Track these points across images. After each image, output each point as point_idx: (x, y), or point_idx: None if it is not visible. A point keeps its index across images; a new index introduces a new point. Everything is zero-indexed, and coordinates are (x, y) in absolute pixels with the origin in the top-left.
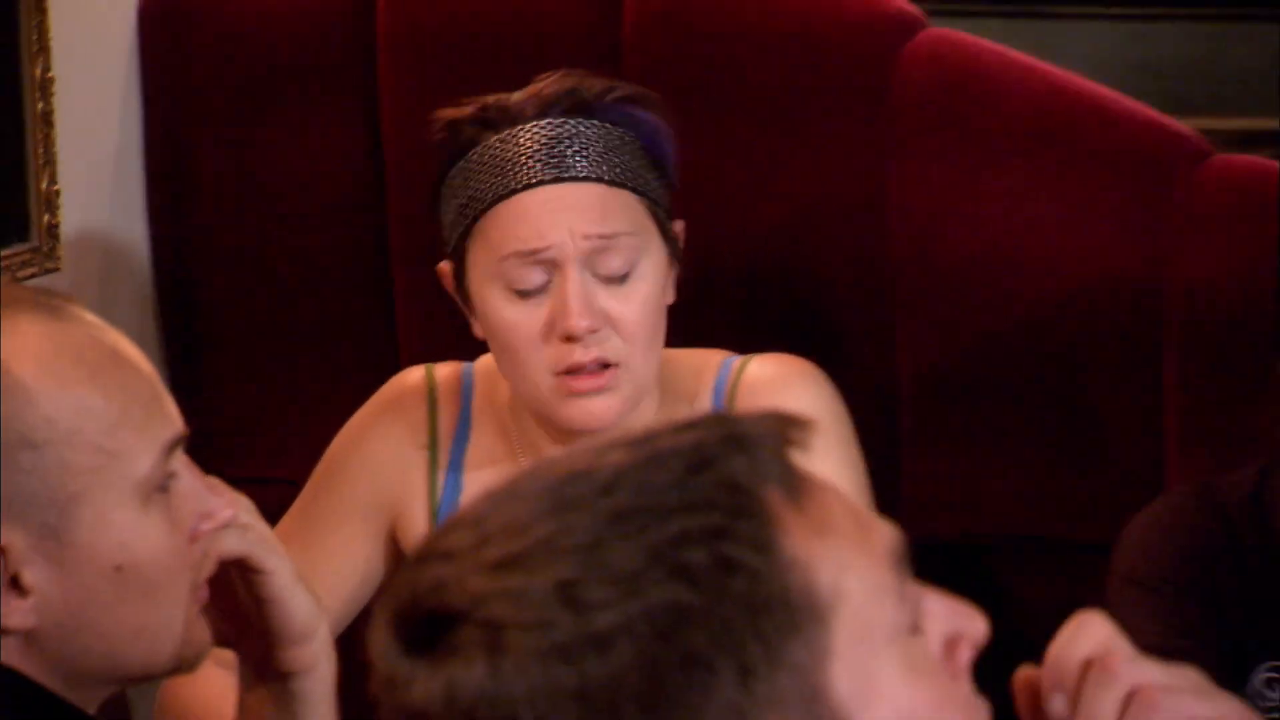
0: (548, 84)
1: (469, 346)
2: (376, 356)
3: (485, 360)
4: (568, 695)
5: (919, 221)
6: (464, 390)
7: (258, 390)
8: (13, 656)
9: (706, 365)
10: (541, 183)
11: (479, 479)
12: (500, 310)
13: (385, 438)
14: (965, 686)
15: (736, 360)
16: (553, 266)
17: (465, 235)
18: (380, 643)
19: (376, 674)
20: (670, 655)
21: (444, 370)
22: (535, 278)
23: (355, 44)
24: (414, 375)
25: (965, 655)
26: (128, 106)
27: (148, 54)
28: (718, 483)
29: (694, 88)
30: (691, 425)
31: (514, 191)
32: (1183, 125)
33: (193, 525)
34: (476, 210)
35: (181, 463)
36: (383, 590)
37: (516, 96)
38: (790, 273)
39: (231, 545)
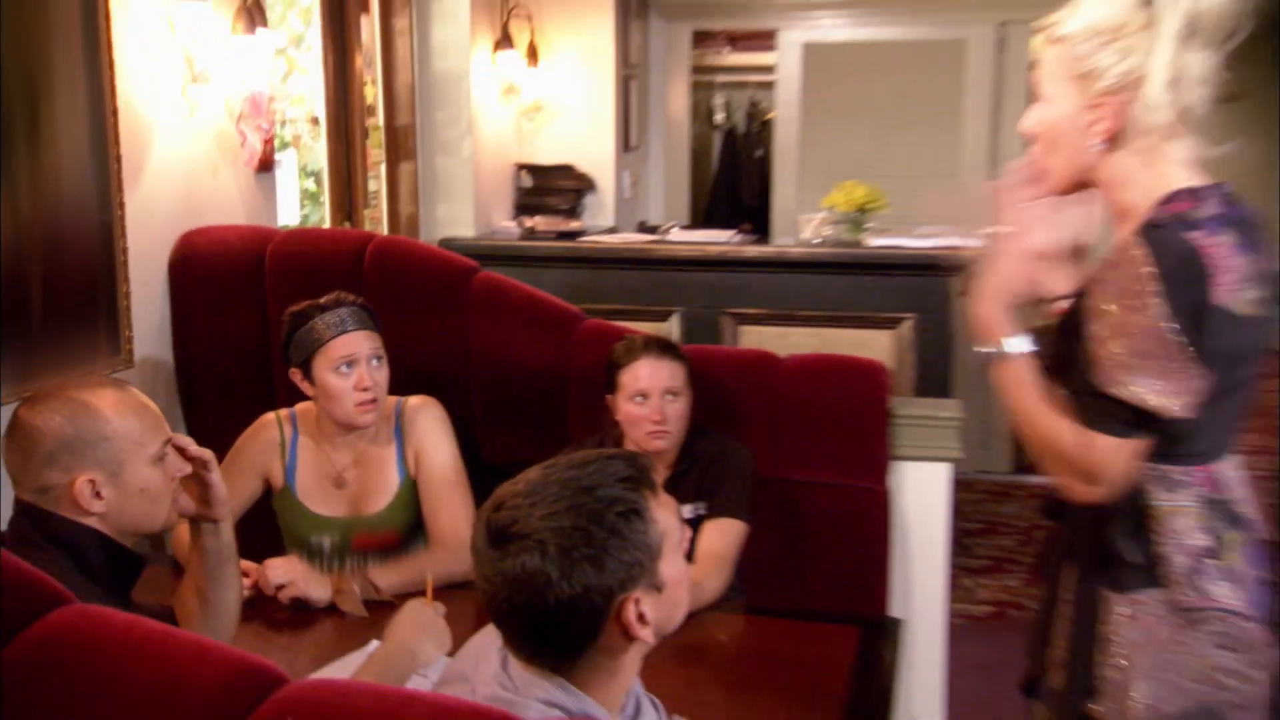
0: (334, 297)
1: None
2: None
3: (302, 405)
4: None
5: None
6: (292, 417)
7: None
8: (95, 524)
9: (390, 402)
10: (345, 331)
11: (303, 454)
12: (331, 380)
13: (261, 438)
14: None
15: (400, 399)
16: (355, 362)
17: (313, 355)
18: (480, 546)
19: (476, 560)
20: (607, 534)
21: (282, 411)
22: (346, 368)
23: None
24: (270, 416)
25: (685, 545)
26: None
27: None
28: (629, 477)
29: None
30: (613, 454)
31: (336, 336)
32: None
33: (172, 473)
34: (321, 343)
35: (169, 448)
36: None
37: (324, 300)
38: None
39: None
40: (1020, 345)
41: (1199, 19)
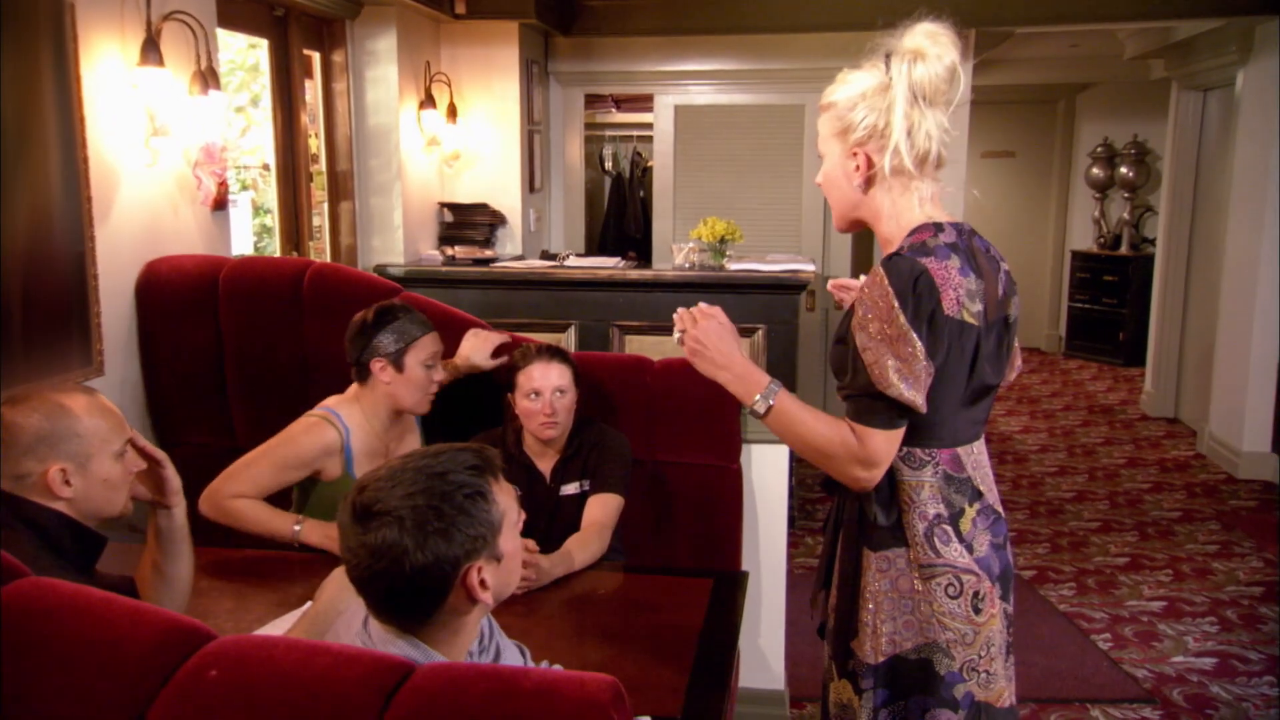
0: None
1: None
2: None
3: (334, 400)
4: (422, 530)
5: None
6: (337, 416)
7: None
8: (62, 508)
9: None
10: (429, 332)
11: (356, 443)
12: (419, 372)
13: (322, 441)
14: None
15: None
16: (433, 365)
17: (407, 349)
18: (346, 523)
19: (342, 534)
20: (456, 511)
21: (325, 413)
22: (429, 364)
23: (211, 297)
24: (320, 420)
25: (520, 525)
26: None
27: None
28: (476, 465)
29: None
30: (463, 447)
31: (425, 334)
32: None
33: (130, 468)
34: (414, 339)
35: (129, 447)
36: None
37: (398, 301)
38: None
39: (158, 457)
40: (774, 388)
41: (920, 86)
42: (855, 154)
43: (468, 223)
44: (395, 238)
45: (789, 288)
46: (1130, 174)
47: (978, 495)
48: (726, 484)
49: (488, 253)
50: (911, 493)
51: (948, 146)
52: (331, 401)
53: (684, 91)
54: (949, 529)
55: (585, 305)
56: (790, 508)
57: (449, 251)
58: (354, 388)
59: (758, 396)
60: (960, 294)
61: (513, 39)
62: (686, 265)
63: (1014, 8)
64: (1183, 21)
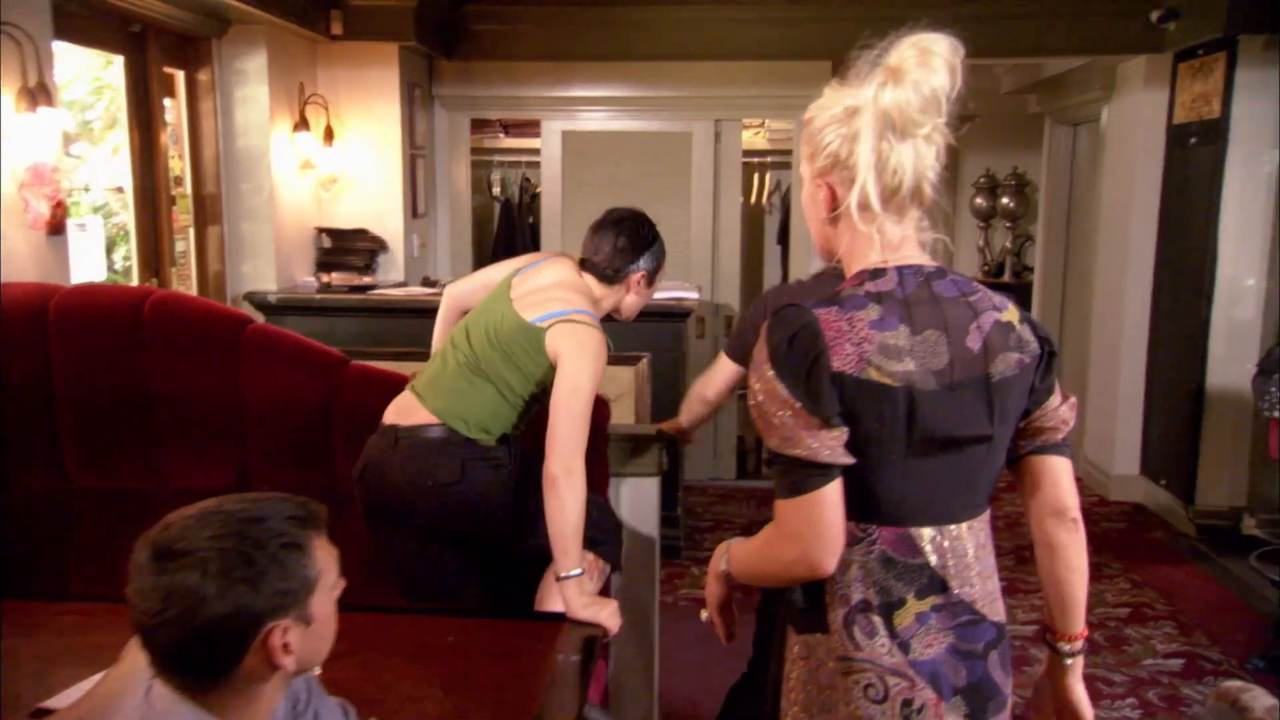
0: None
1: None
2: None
3: (575, 299)
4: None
5: None
6: (592, 315)
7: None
8: None
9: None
10: None
11: None
12: (651, 292)
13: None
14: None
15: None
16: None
17: (658, 269)
18: (140, 562)
19: (133, 575)
20: (268, 560)
21: (574, 305)
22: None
23: (39, 327)
24: (582, 319)
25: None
26: None
27: None
28: (298, 517)
29: None
30: (287, 496)
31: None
32: None
33: None
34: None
35: None
36: None
37: None
38: None
39: None
40: (719, 563)
41: (889, 113)
42: (819, 182)
43: (347, 248)
44: (267, 264)
45: (673, 315)
46: (1011, 204)
47: (937, 588)
48: (602, 511)
49: (366, 279)
50: (836, 571)
51: (933, 183)
52: (574, 300)
53: (572, 117)
54: (876, 620)
55: None
56: (677, 538)
57: (325, 278)
58: (587, 282)
59: (722, 566)
60: (867, 349)
61: (392, 61)
62: None
63: None
64: (1051, 59)
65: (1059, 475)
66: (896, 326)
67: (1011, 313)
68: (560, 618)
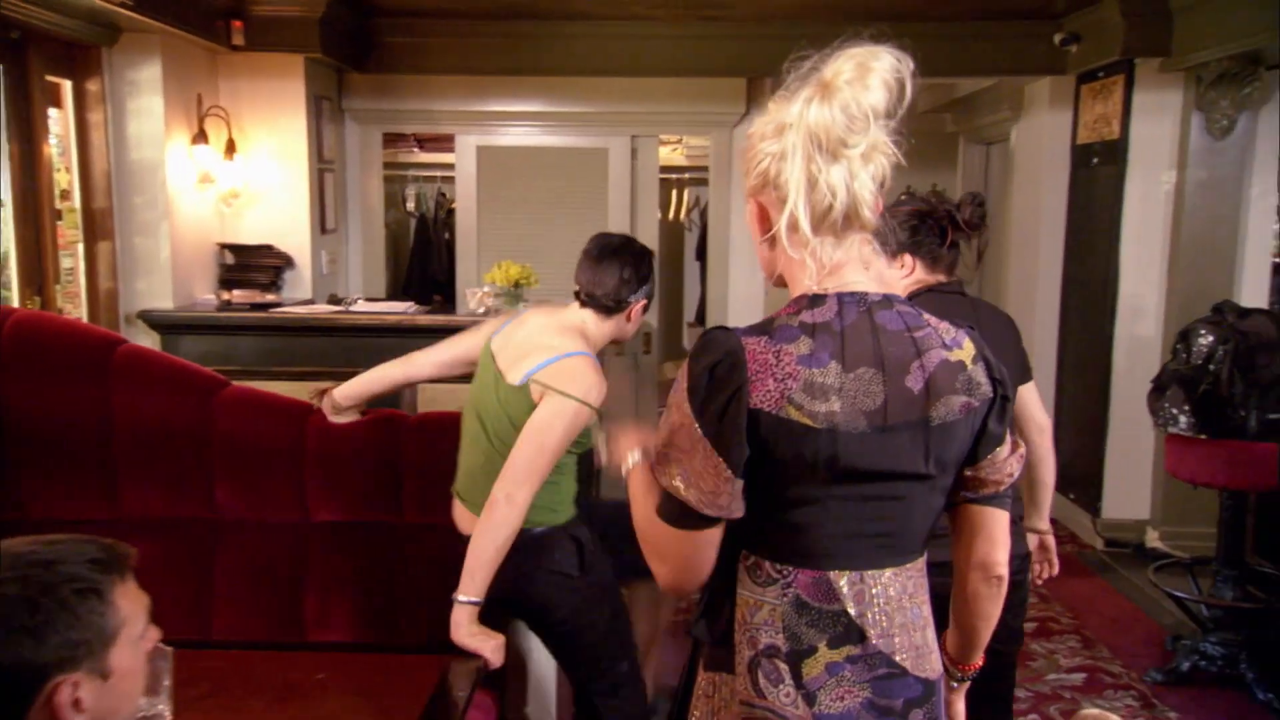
0: None
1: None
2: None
3: (574, 342)
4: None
5: None
6: (594, 356)
7: None
8: None
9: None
10: None
11: None
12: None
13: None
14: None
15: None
16: None
17: (650, 299)
18: None
19: None
20: (56, 607)
21: (574, 350)
22: None
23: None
24: (583, 368)
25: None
26: None
27: None
28: (100, 560)
29: None
30: (91, 539)
31: None
32: None
33: None
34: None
35: None
36: None
37: None
38: None
39: None
40: (634, 456)
41: (814, 134)
42: (751, 202)
43: (251, 265)
44: (163, 280)
45: None
46: None
47: (854, 637)
48: None
49: (269, 296)
50: (746, 611)
51: (870, 206)
52: (561, 345)
53: (487, 132)
54: (783, 667)
55: (374, 352)
56: None
57: (225, 296)
58: (582, 318)
59: (628, 455)
60: (790, 386)
61: (298, 73)
62: (480, 310)
63: None
64: (962, 79)
65: (993, 528)
66: (826, 363)
67: (965, 351)
68: (436, 649)
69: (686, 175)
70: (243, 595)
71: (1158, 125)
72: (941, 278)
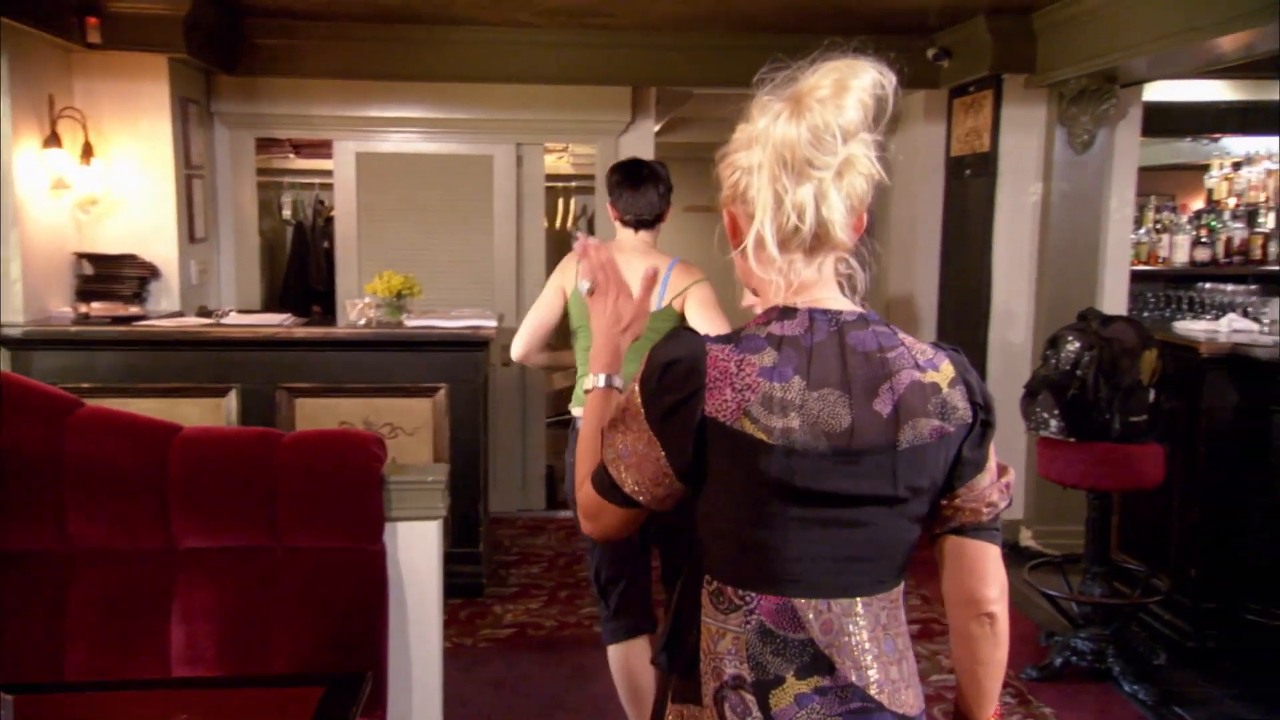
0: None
1: None
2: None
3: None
4: None
5: None
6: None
7: None
8: None
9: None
10: None
11: None
12: None
13: None
14: None
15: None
16: None
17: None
18: None
19: None
20: None
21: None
22: None
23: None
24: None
25: None
26: None
27: None
28: None
29: None
30: None
31: None
32: None
33: None
34: None
35: None
36: None
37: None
38: None
39: None
40: (597, 381)
41: (781, 153)
42: (724, 212)
43: (112, 275)
44: (13, 293)
45: (471, 344)
46: None
47: (822, 668)
48: (366, 568)
49: (132, 309)
50: (710, 640)
51: (843, 226)
52: (664, 258)
53: (366, 138)
54: (749, 698)
55: (248, 367)
56: (479, 575)
57: (83, 308)
58: (644, 237)
59: (590, 376)
60: (749, 398)
61: (161, 75)
62: (361, 321)
63: (687, 70)
64: None
65: (975, 562)
66: (789, 377)
67: (942, 373)
68: (312, 681)
69: (573, 184)
70: (99, 631)
71: (1025, 139)
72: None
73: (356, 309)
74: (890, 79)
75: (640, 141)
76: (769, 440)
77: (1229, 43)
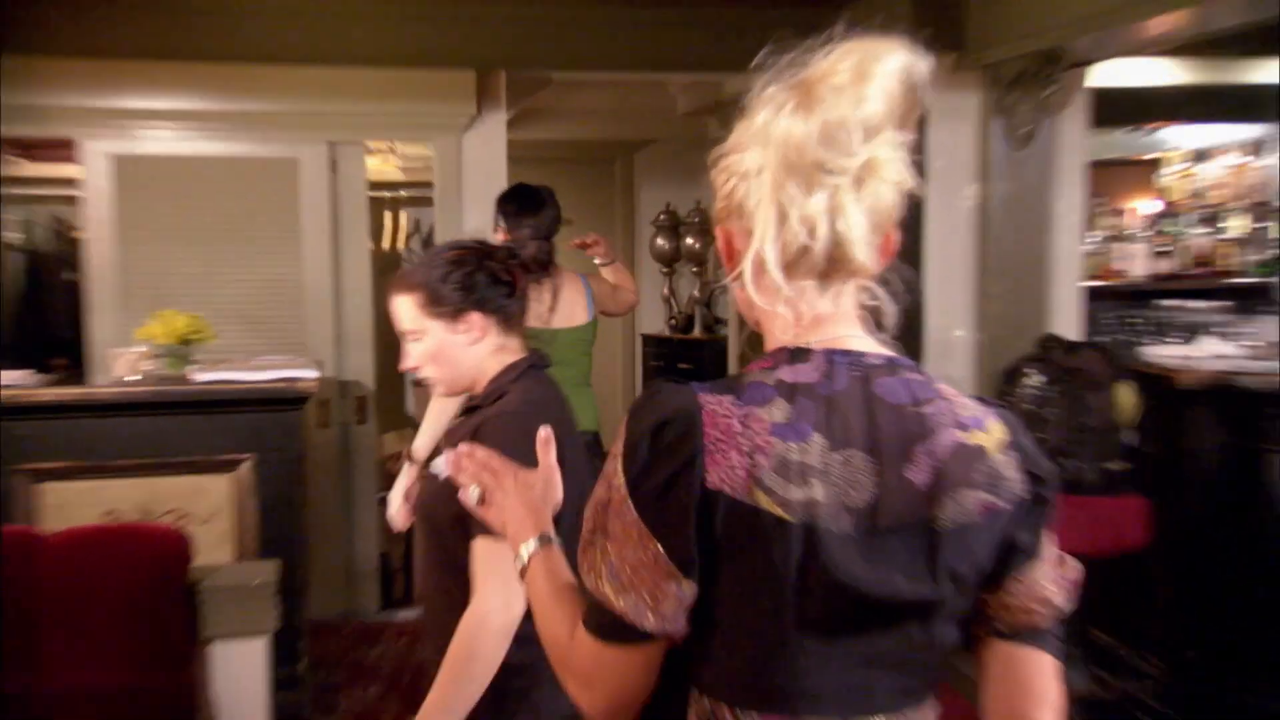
0: None
1: None
2: None
3: None
4: None
5: None
6: None
7: None
8: None
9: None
10: None
11: None
12: None
13: None
14: None
15: None
16: None
17: None
18: None
19: None
20: None
21: None
22: None
23: None
24: None
25: None
26: None
27: None
28: None
29: None
30: None
31: None
32: None
33: None
34: None
35: None
36: None
37: None
38: None
39: None
40: (529, 548)
41: (786, 154)
42: (718, 231)
43: None
44: None
45: (283, 402)
46: (696, 245)
47: None
48: (171, 712)
49: None
50: None
51: (864, 245)
52: None
53: (125, 137)
54: None
55: None
56: (300, 705)
57: None
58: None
59: (520, 547)
60: (761, 465)
61: None
62: (133, 378)
63: (544, 50)
64: (727, 76)
65: (1031, 676)
66: (808, 436)
67: (990, 435)
68: None
69: (404, 193)
70: None
71: (956, 132)
72: (516, 341)
73: (126, 360)
74: (924, 65)
75: (489, 140)
76: (788, 518)
77: (1184, 17)
